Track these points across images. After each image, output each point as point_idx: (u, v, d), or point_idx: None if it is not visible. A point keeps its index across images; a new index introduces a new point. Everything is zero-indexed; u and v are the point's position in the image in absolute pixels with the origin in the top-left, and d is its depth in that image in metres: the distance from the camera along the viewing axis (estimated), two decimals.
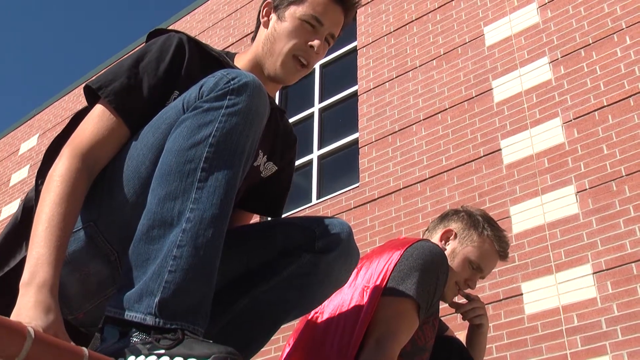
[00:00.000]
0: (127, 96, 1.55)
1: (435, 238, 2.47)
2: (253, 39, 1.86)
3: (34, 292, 1.24)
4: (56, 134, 1.65)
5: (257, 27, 1.85)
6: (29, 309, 1.21)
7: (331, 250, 1.65)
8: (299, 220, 1.73)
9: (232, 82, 1.41)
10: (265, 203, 1.93)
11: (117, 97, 1.54)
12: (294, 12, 1.75)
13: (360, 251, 1.80)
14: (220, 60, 1.71)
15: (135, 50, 1.66)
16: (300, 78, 1.82)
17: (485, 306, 2.62)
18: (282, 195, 1.96)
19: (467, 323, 2.63)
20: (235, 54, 1.85)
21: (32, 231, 1.35)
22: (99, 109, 1.56)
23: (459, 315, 2.55)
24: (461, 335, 2.66)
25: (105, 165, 1.51)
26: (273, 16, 1.80)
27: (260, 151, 1.81)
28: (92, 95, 1.59)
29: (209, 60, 1.69)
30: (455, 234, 2.44)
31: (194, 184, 1.35)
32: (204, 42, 1.76)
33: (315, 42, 1.73)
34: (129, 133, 1.55)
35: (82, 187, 1.44)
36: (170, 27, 10.74)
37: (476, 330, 2.57)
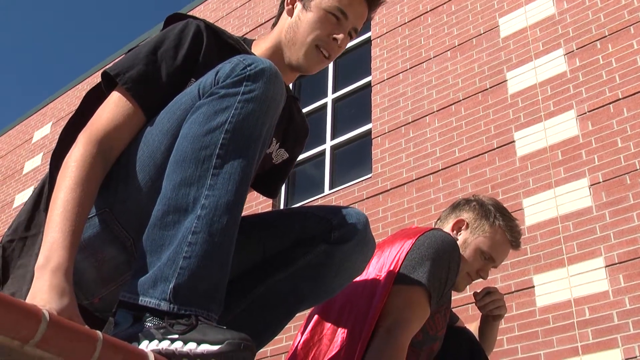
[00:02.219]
0: (144, 83, 1.55)
1: (447, 228, 2.46)
2: (274, 25, 1.84)
3: (49, 275, 1.25)
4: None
5: (280, 13, 1.84)
6: (44, 292, 1.22)
7: (347, 240, 1.65)
8: (315, 209, 1.73)
9: (248, 68, 1.40)
10: (266, 185, 1.95)
11: (134, 84, 1.54)
12: (319, 2, 1.74)
13: None
14: (237, 48, 1.70)
15: (153, 36, 1.66)
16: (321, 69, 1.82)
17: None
18: (282, 180, 1.98)
19: (478, 314, 2.63)
20: (252, 40, 1.84)
21: (48, 216, 1.36)
22: (115, 95, 1.56)
23: (471, 307, 2.56)
24: (471, 327, 2.67)
25: (121, 151, 1.52)
26: (298, 5, 1.78)
27: (273, 138, 1.81)
28: (110, 82, 1.59)
29: (226, 47, 1.68)
30: (467, 224, 2.44)
31: (209, 170, 1.35)
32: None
33: (340, 36, 1.73)
34: (145, 119, 1.55)
35: (98, 172, 1.45)
36: None
37: (491, 321, 2.58)
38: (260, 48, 1.80)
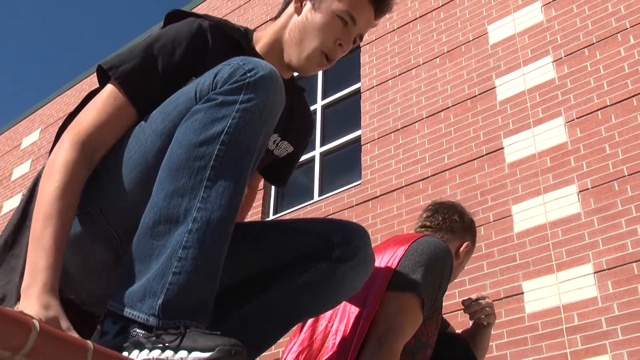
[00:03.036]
0: (138, 78, 1.50)
1: (452, 245, 2.45)
2: (277, 16, 1.77)
3: (35, 295, 1.24)
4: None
5: (284, 7, 1.76)
6: (31, 307, 1.21)
7: (348, 259, 1.62)
8: (316, 224, 1.69)
9: (248, 75, 1.35)
10: (275, 173, 1.92)
11: (128, 78, 1.50)
12: (330, 4, 1.68)
13: None
14: (241, 46, 1.65)
15: (152, 33, 1.60)
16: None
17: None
18: (290, 170, 1.93)
19: (468, 322, 2.63)
20: (254, 30, 1.77)
21: (31, 230, 1.34)
22: (107, 90, 1.52)
23: (460, 314, 2.57)
24: (462, 333, 2.67)
25: (108, 148, 1.48)
26: (307, 3, 1.71)
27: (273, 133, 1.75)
28: (104, 76, 1.54)
29: (231, 45, 1.63)
30: (468, 249, 2.49)
31: (203, 182, 1.32)
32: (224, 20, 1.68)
33: (345, 43, 1.69)
34: (136, 117, 1.51)
35: (82, 176, 1.42)
36: None
37: (482, 328, 2.59)
38: (261, 41, 1.73)
